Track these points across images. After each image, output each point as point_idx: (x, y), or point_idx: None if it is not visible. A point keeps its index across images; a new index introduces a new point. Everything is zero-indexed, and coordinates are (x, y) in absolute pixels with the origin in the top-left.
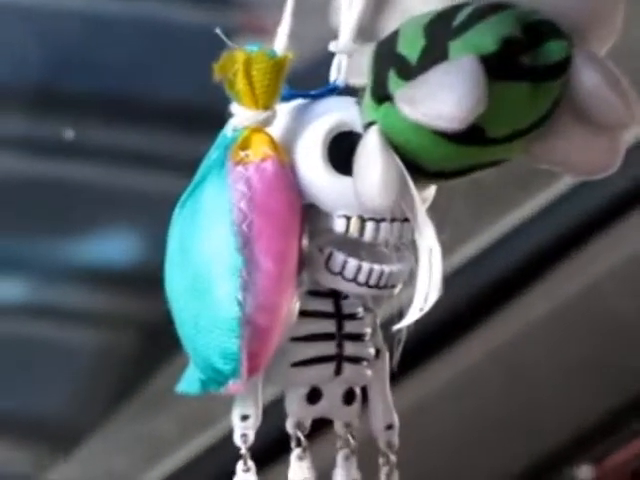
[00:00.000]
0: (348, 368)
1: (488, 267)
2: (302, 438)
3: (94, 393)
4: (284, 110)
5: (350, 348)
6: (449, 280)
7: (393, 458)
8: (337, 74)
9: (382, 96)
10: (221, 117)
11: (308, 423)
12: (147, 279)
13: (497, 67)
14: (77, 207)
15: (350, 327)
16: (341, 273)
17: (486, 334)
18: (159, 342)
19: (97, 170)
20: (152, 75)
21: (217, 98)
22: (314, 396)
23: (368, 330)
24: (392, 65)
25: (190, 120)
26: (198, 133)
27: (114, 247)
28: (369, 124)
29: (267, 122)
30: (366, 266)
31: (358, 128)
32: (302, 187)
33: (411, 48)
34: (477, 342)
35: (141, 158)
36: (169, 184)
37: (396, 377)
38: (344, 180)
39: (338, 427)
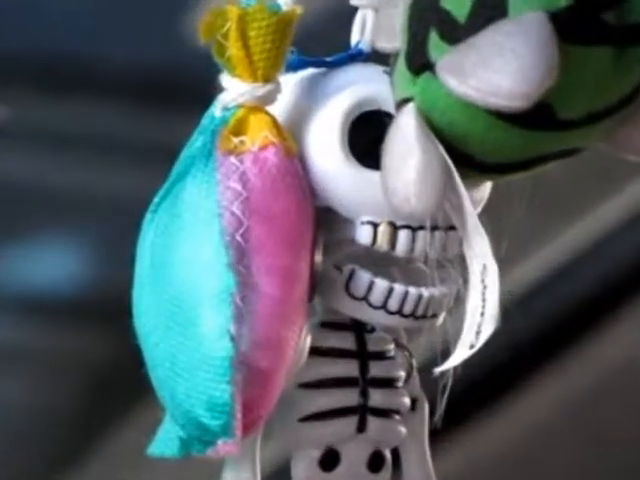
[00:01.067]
0: (374, 423)
1: (559, 292)
2: None
3: (30, 460)
4: (291, 82)
5: (377, 397)
6: (509, 308)
7: None
8: (360, 35)
9: (420, 64)
10: (206, 91)
11: None
12: (104, 308)
13: (571, 26)
14: (8, 210)
15: (377, 370)
16: (366, 298)
17: (554, 381)
18: (119, 391)
19: (35, 161)
20: (106, 34)
21: (200, 65)
22: (330, 460)
23: (401, 374)
24: (434, 24)
25: (163, 94)
26: (174, 112)
27: (58, 265)
28: (403, 101)
29: (268, 98)
30: (399, 289)
31: (389, 106)
32: (315, 185)
33: (459, 2)
34: (543, 391)
35: (96, 145)
36: (136, 180)
37: (439, 436)
38: (370, 175)
39: None
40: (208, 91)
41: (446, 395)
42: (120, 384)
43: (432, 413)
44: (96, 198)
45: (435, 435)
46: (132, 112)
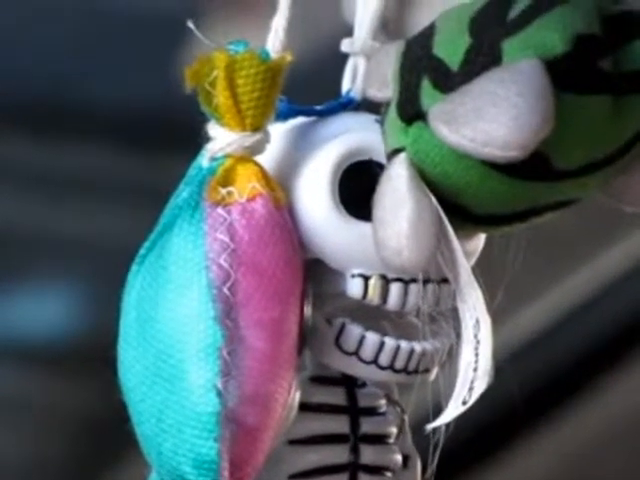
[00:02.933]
0: None
1: (556, 346)
2: None
3: None
4: (280, 132)
5: (369, 454)
6: (503, 364)
7: None
8: (351, 83)
9: (412, 113)
10: (193, 133)
11: None
12: (89, 359)
13: (567, 75)
14: None
15: (369, 426)
16: (357, 353)
17: (552, 437)
18: (105, 445)
19: (20, 203)
20: (95, 78)
21: (188, 107)
22: None
23: (393, 430)
24: (426, 72)
25: (151, 136)
26: (162, 154)
27: (42, 313)
28: (395, 151)
29: (257, 148)
30: (390, 343)
31: (380, 156)
32: (304, 236)
33: (451, 49)
34: (540, 448)
35: (83, 189)
36: (117, 225)
37: None
38: (360, 227)
39: None
40: (195, 133)
41: (438, 452)
42: (105, 438)
43: (424, 470)
44: (84, 245)
45: None
46: (119, 156)
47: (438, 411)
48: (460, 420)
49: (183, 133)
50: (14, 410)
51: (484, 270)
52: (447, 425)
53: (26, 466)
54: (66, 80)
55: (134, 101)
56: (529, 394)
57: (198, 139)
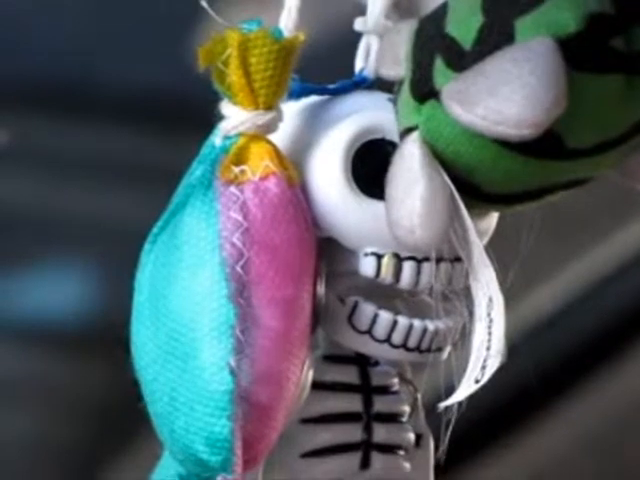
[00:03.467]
0: (378, 460)
1: (570, 326)
2: None
3: None
4: (293, 110)
5: (381, 433)
6: (516, 342)
7: None
8: (364, 62)
9: (425, 92)
10: (208, 114)
11: None
12: (103, 340)
13: (580, 54)
14: (4, 236)
15: (381, 404)
16: (369, 331)
17: (567, 415)
18: (118, 426)
19: (34, 185)
20: (108, 58)
21: (202, 88)
22: None
23: (405, 408)
24: (439, 51)
25: (164, 118)
26: (171, 137)
27: (55, 294)
28: (408, 130)
29: (270, 127)
30: (403, 322)
31: (393, 135)
32: (317, 215)
33: (464, 28)
34: (555, 426)
35: (93, 167)
36: (130, 206)
37: (445, 472)
38: (373, 206)
39: None
40: (210, 114)
41: (450, 431)
42: (118, 418)
43: (437, 449)
44: (98, 225)
45: (441, 472)
46: (133, 136)
47: (451, 390)
48: (474, 399)
49: (198, 113)
50: (28, 392)
51: (497, 249)
52: (460, 404)
53: (40, 447)
54: (80, 61)
55: (148, 81)
56: (543, 373)
57: (213, 119)
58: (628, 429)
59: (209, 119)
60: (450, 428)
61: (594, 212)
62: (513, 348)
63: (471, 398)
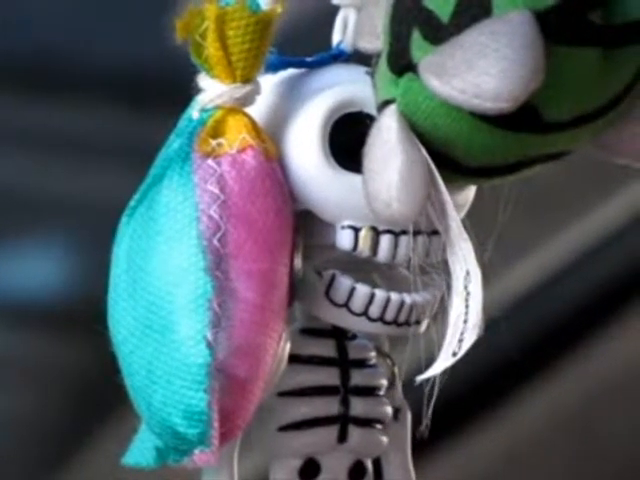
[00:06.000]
0: (356, 433)
1: (547, 299)
2: None
3: (6, 469)
4: (270, 83)
5: (359, 406)
6: (494, 316)
7: None
8: (342, 35)
9: (403, 65)
10: (183, 92)
11: None
12: (79, 315)
13: (558, 26)
14: None
15: (359, 378)
16: (347, 304)
17: (546, 391)
18: (96, 400)
19: (14, 163)
20: (84, 34)
21: (177, 65)
22: (310, 471)
23: (383, 382)
24: (417, 23)
25: (138, 95)
26: (150, 113)
27: (34, 271)
28: (385, 103)
29: (247, 100)
30: (381, 295)
31: (370, 108)
32: (294, 188)
33: (442, 1)
34: (533, 402)
35: (72, 147)
36: (111, 183)
37: (422, 447)
38: (351, 179)
39: None
40: (189, 92)
41: (431, 404)
42: (96, 393)
43: (417, 423)
44: (73, 202)
45: (418, 447)
46: (113, 113)
47: (429, 363)
48: (455, 374)
49: (180, 91)
50: (7, 369)
51: (474, 223)
52: (440, 377)
53: (19, 425)
54: (61, 39)
55: (130, 58)
56: (523, 348)
57: (192, 98)
58: (608, 404)
59: (191, 96)
60: (431, 402)
61: (572, 188)
62: (491, 322)
63: (452, 371)
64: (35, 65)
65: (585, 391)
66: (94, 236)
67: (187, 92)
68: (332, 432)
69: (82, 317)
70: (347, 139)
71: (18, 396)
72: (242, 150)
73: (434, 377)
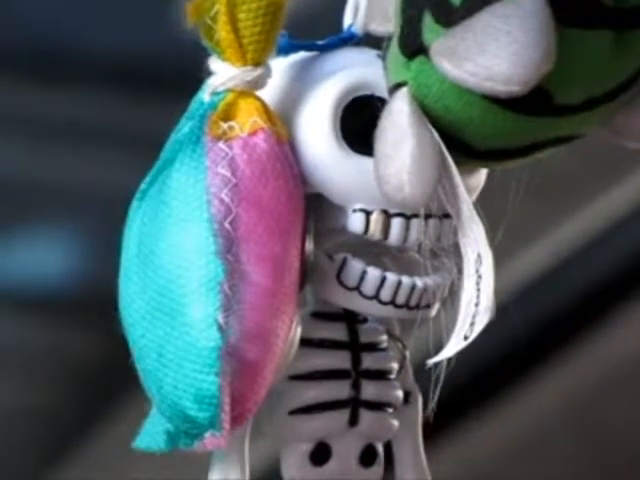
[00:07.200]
0: (367, 417)
1: (559, 284)
2: None
3: (16, 455)
4: (281, 66)
5: (370, 390)
6: (505, 301)
7: None
8: (353, 18)
9: (414, 48)
10: (193, 76)
11: None
12: (87, 300)
13: (569, 9)
14: None
15: (370, 362)
16: (358, 288)
17: (556, 376)
18: (107, 385)
19: (19, 151)
20: (85, 21)
21: (188, 49)
22: (321, 455)
23: (394, 366)
24: (428, 6)
25: (149, 80)
26: (160, 97)
27: (42, 257)
28: (397, 86)
29: (258, 83)
30: (392, 278)
31: (382, 91)
32: (306, 171)
33: None
34: (544, 387)
35: (79, 132)
36: (122, 173)
37: (433, 431)
38: (362, 162)
39: None
40: (193, 79)
41: (439, 388)
42: (107, 377)
43: (425, 406)
44: (82, 188)
45: (429, 431)
46: (118, 102)
47: (440, 347)
48: (464, 358)
49: (183, 79)
50: (13, 358)
51: (486, 207)
52: (449, 361)
53: (28, 412)
54: (61, 27)
55: (132, 46)
56: (533, 333)
57: (198, 85)
58: (615, 392)
59: (193, 83)
60: (439, 385)
61: (583, 173)
62: (502, 306)
63: (459, 355)
64: (42, 54)
65: (593, 378)
66: (99, 223)
67: (189, 79)
68: (343, 416)
69: (91, 303)
70: (358, 122)
71: (32, 383)
72: (253, 133)
73: (442, 361)
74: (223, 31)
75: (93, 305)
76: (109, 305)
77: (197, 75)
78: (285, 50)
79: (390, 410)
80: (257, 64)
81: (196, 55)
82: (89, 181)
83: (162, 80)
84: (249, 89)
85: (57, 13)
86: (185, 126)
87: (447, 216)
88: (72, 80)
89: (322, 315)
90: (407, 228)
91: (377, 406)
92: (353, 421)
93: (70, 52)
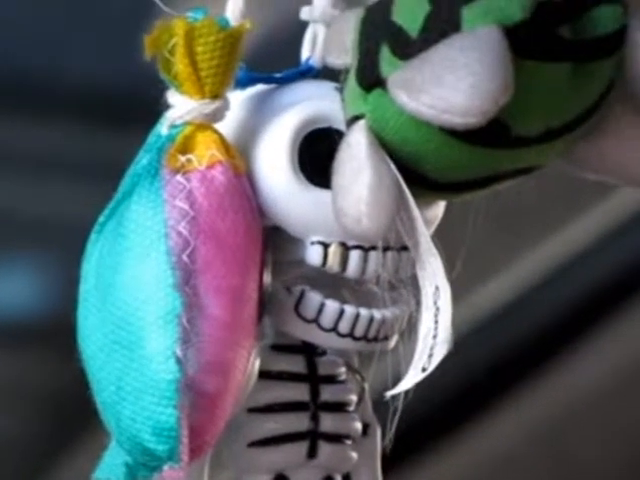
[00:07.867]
0: (326, 449)
1: (518, 316)
2: None
3: None
4: (240, 99)
5: (328, 422)
6: (464, 333)
7: None
8: (311, 50)
9: (372, 80)
10: (152, 109)
11: None
12: (49, 332)
13: (527, 42)
14: None
15: (328, 394)
16: (316, 320)
17: (516, 408)
18: (67, 417)
19: None
20: (54, 51)
21: (146, 82)
22: None
23: (353, 398)
24: (385, 38)
25: (108, 113)
26: (120, 130)
27: (5, 288)
28: (354, 118)
29: (216, 116)
30: (350, 310)
31: (340, 124)
32: (264, 204)
33: (411, 16)
34: (504, 418)
35: (41, 164)
36: (80, 201)
37: (391, 463)
38: (320, 194)
39: None
40: (159, 109)
41: (397, 420)
42: (67, 409)
43: (384, 438)
44: (43, 219)
45: (387, 462)
46: (83, 131)
47: (398, 379)
48: (421, 390)
49: (150, 108)
50: None
51: (444, 240)
52: (407, 393)
53: None
54: (29, 56)
55: (100, 76)
56: (492, 365)
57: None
58: (580, 422)
59: (160, 113)
60: (397, 417)
61: (544, 204)
62: (460, 338)
63: (419, 388)
64: (4, 84)
65: (555, 409)
66: (63, 254)
67: (156, 109)
68: (302, 448)
69: (52, 334)
70: (316, 155)
71: None
72: (211, 166)
73: (401, 393)
74: (181, 64)
75: (53, 336)
76: (70, 337)
77: (162, 105)
78: (243, 83)
79: (349, 442)
80: (215, 97)
81: (161, 85)
82: (52, 211)
83: (128, 110)
84: (207, 122)
85: (24, 44)
86: (143, 158)
87: (405, 248)
88: (36, 110)
89: (281, 347)
90: (365, 260)
91: (336, 438)
92: (312, 453)
93: (37, 83)
